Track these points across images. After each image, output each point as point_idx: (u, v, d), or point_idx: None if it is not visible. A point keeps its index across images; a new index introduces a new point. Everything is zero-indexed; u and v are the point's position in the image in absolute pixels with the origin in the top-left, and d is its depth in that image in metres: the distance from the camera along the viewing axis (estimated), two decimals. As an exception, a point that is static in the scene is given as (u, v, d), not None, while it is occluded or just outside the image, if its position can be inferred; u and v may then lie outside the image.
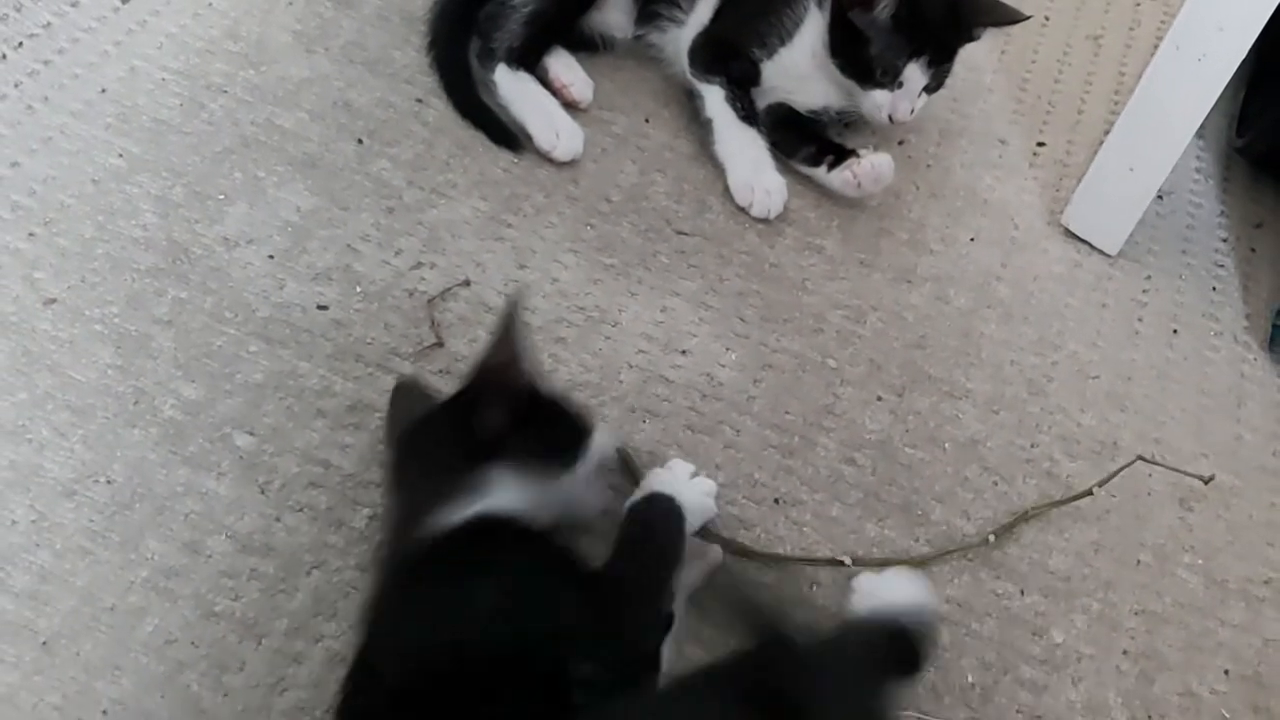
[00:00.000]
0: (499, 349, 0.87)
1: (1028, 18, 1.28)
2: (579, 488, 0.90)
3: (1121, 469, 1.09)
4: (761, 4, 1.29)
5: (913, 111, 1.26)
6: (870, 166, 1.23)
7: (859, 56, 1.24)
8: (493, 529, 0.83)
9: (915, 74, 1.24)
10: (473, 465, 0.85)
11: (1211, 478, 1.10)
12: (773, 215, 1.24)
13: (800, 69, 1.29)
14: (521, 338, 0.87)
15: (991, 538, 1.04)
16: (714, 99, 1.28)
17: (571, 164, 1.25)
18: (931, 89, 1.27)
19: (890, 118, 1.26)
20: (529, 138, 1.25)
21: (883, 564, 1.01)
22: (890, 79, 1.24)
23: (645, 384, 1.10)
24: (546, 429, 0.89)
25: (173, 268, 1.10)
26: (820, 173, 1.26)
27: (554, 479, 0.88)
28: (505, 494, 0.84)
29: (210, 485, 0.98)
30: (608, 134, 1.30)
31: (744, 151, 1.26)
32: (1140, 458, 1.10)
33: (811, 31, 1.27)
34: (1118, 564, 1.06)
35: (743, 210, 1.26)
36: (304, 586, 0.94)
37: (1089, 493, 1.07)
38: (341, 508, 0.99)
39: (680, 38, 1.32)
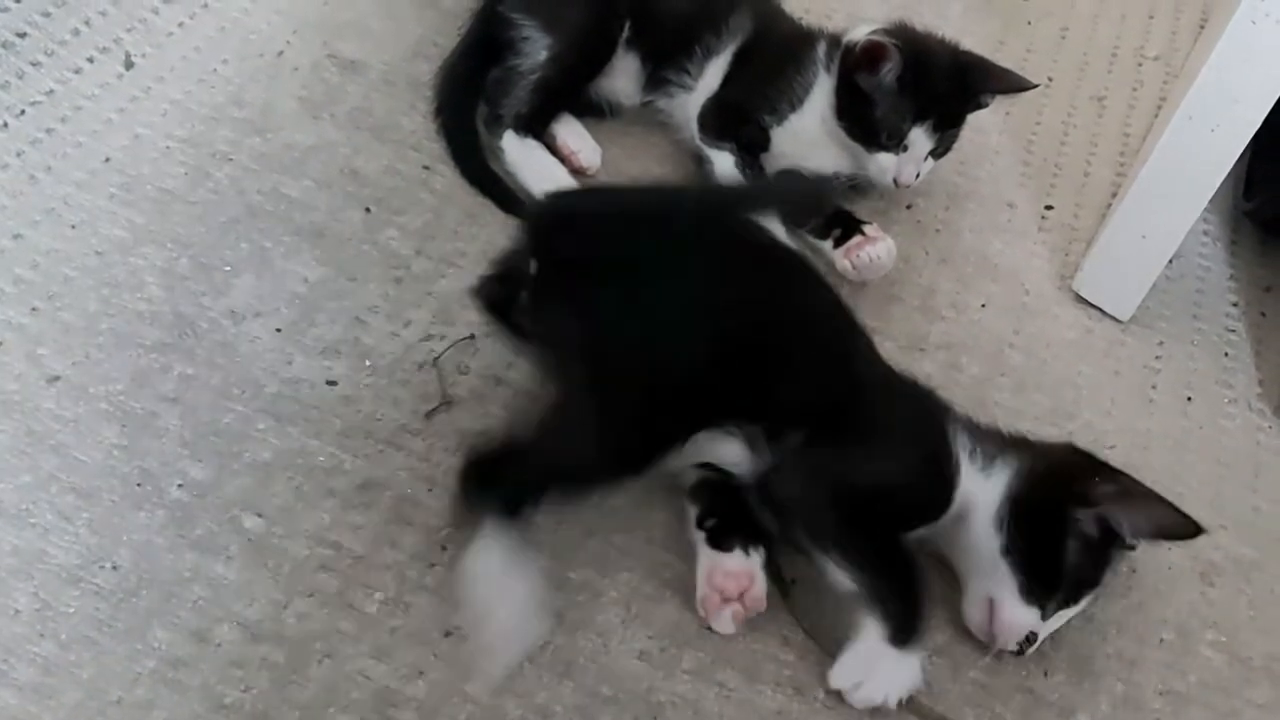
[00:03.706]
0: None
1: (1035, 85, 1.28)
2: None
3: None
4: (772, 70, 1.29)
5: (918, 176, 1.26)
6: (869, 259, 1.22)
7: (864, 119, 1.24)
8: None
9: (920, 138, 1.24)
10: None
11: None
12: None
13: (810, 135, 1.28)
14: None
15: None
16: (723, 165, 1.28)
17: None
18: (938, 154, 1.27)
19: (895, 181, 1.26)
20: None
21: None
22: (895, 142, 1.24)
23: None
24: None
25: (179, 343, 1.08)
26: (826, 247, 1.26)
27: None
28: None
29: (218, 570, 0.96)
30: (616, 200, 1.29)
31: None
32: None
33: (821, 97, 1.27)
34: (1140, 642, 1.05)
35: None
36: (315, 676, 0.92)
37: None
38: (352, 591, 0.97)
39: (689, 103, 1.31)
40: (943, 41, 1.26)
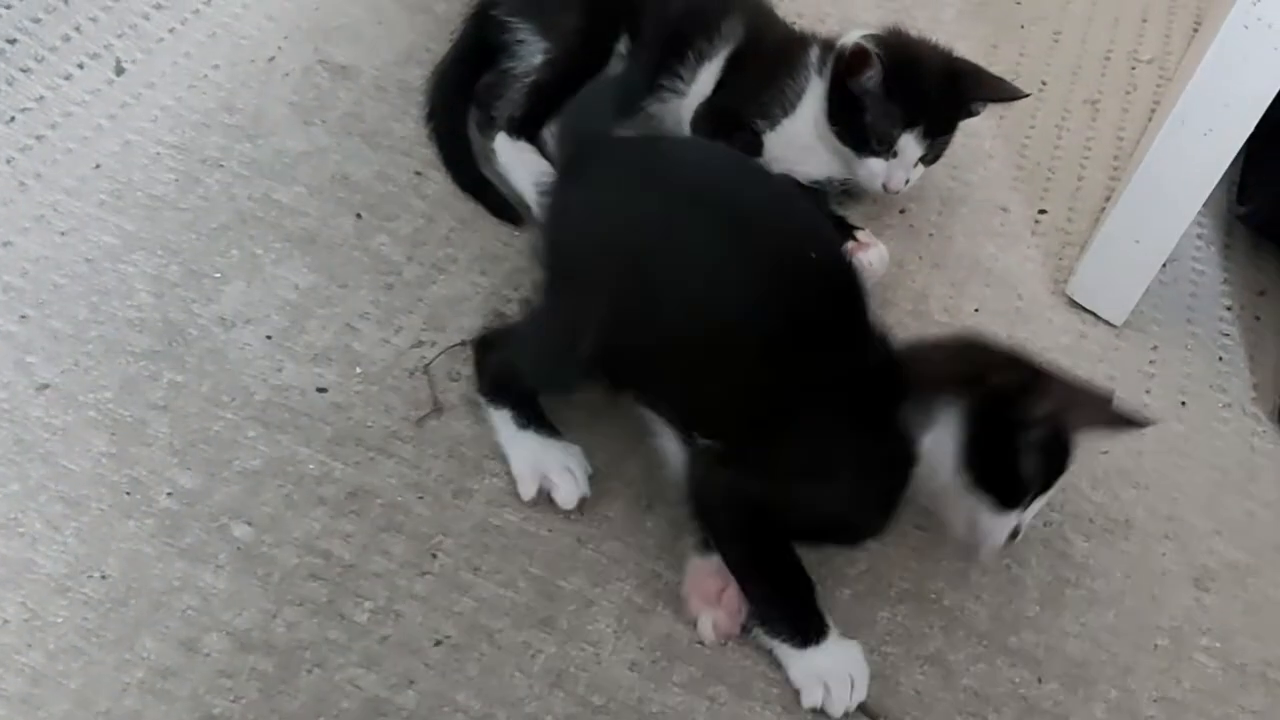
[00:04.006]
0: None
1: (1026, 95, 1.27)
2: None
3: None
4: (765, 74, 1.28)
5: (908, 182, 1.25)
6: (861, 266, 1.22)
7: (855, 124, 1.24)
8: None
9: (910, 144, 1.23)
10: None
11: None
12: None
13: (802, 139, 1.28)
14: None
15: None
16: None
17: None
18: (928, 160, 1.27)
19: (885, 187, 1.25)
20: (527, 207, 1.24)
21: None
22: (885, 148, 1.23)
23: (652, 469, 1.06)
24: None
25: (168, 350, 1.08)
26: None
27: None
28: None
29: (207, 579, 0.96)
30: (609, 205, 1.28)
31: None
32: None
33: (812, 102, 1.26)
34: (1135, 648, 1.04)
35: None
36: (304, 686, 0.91)
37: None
38: (342, 600, 0.96)
39: (682, 108, 1.31)
40: (935, 48, 1.26)
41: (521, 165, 1.25)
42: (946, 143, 1.27)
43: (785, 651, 0.96)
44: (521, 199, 1.24)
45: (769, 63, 1.30)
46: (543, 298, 1.03)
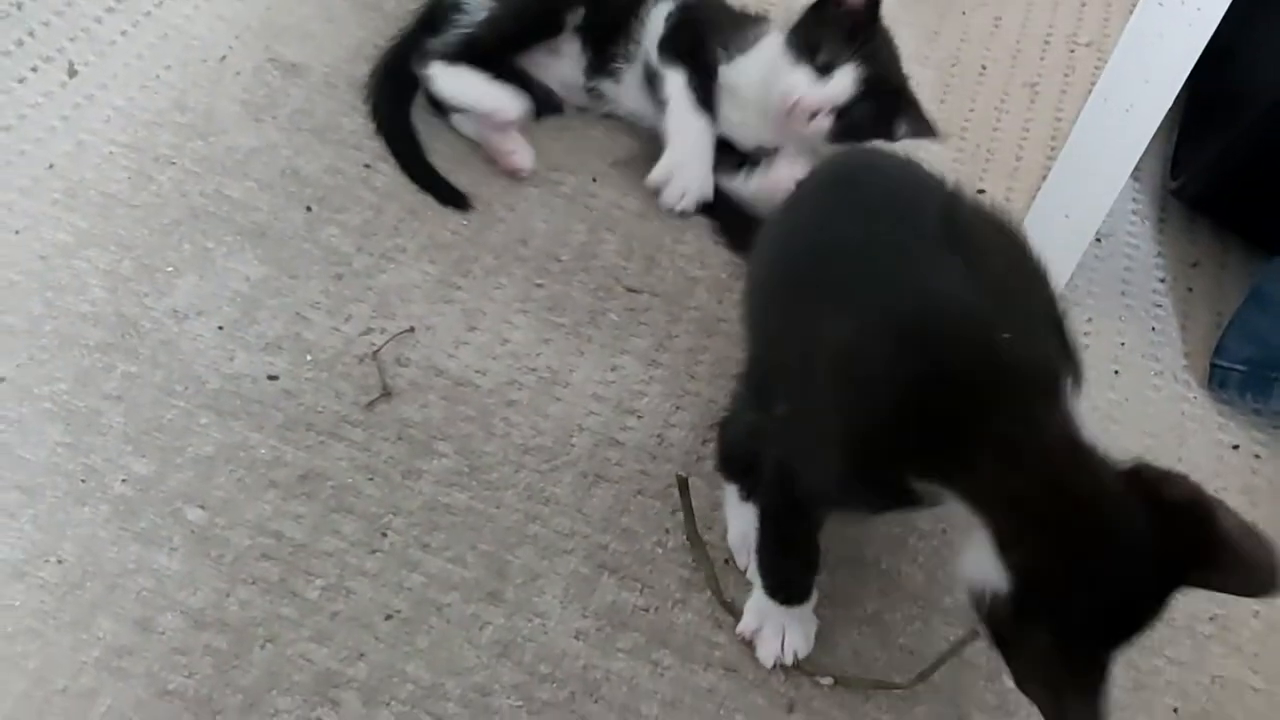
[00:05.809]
0: None
1: (941, 136, 1.29)
2: None
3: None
4: (730, 16, 1.35)
5: (815, 116, 1.23)
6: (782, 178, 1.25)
7: (815, 35, 1.23)
8: None
9: (845, 79, 1.23)
10: None
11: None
12: (681, 208, 1.28)
13: (749, 85, 1.29)
14: None
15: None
16: (675, 81, 1.30)
17: (519, 220, 1.27)
18: (835, 135, 1.26)
19: (795, 106, 1.22)
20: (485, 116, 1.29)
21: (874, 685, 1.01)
22: (825, 69, 1.22)
23: (597, 447, 1.10)
24: None
25: (122, 342, 1.11)
26: (738, 183, 1.30)
27: None
28: None
29: (162, 561, 0.98)
30: (556, 194, 1.31)
31: (688, 135, 1.29)
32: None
33: (771, 47, 1.27)
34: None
35: (653, 195, 1.30)
36: (258, 661, 0.94)
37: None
38: (294, 579, 0.99)
39: (632, 74, 1.34)
40: (898, 64, 1.29)
41: (465, 84, 1.28)
42: (859, 129, 1.27)
43: (758, 591, 0.99)
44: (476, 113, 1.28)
45: (731, 14, 1.35)
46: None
